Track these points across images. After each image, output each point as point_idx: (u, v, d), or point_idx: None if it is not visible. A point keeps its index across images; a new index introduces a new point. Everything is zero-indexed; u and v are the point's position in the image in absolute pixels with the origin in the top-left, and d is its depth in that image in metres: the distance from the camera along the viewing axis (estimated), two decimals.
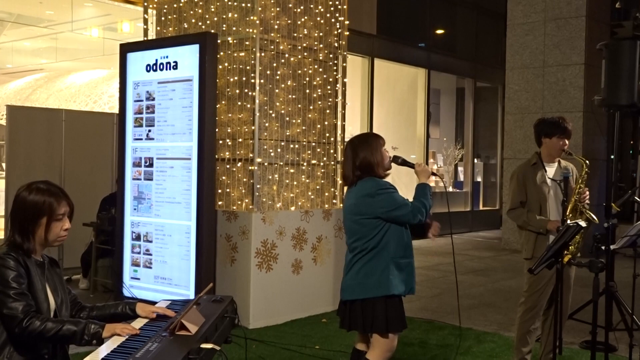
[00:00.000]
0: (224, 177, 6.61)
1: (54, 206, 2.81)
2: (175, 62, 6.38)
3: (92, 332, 2.72)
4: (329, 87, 7.23)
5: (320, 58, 7.12)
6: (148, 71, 6.58)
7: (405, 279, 3.79)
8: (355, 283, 3.78)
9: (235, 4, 6.65)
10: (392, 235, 3.76)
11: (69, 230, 2.88)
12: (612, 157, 6.67)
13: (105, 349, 2.59)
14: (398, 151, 13.03)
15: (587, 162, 4.80)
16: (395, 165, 3.95)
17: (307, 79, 6.96)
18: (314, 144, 7.05)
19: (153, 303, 3.18)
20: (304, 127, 6.94)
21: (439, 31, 15.55)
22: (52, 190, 2.86)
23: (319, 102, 7.11)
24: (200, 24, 6.90)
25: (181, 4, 7.07)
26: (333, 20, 7.27)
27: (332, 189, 7.24)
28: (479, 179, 16.56)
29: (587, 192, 4.73)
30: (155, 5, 7.42)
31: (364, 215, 3.76)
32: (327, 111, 7.21)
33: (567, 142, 4.79)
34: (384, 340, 3.78)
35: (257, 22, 6.44)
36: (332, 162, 7.26)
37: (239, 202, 6.53)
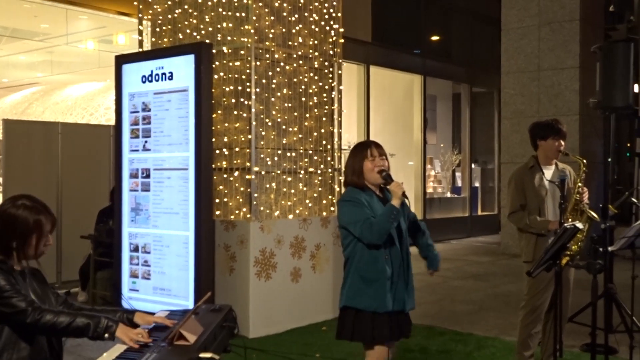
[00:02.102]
0: (221, 187, 6.60)
1: (42, 223, 2.82)
2: (171, 72, 6.39)
3: (107, 325, 2.72)
4: (324, 95, 7.24)
5: (316, 66, 7.13)
6: (144, 82, 6.59)
7: (376, 295, 3.64)
8: (341, 292, 3.83)
9: (229, 13, 6.67)
10: (360, 247, 3.68)
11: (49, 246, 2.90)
12: (609, 159, 6.69)
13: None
14: (396, 158, 13.04)
15: (585, 161, 4.81)
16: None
17: (303, 87, 6.98)
18: (310, 151, 7.05)
19: (152, 314, 3.16)
20: (300, 135, 6.95)
21: (434, 37, 15.59)
22: (38, 208, 2.86)
23: (315, 110, 7.12)
24: (195, 34, 6.91)
25: (176, 15, 7.09)
26: (328, 28, 7.29)
27: (330, 197, 7.24)
28: (477, 184, 16.56)
29: (586, 191, 4.74)
30: (150, 17, 7.44)
31: (338, 223, 3.82)
32: (324, 119, 7.22)
33: (562, 143, 4.80)
34: (368, 352, 3.76)
35: (252, 31, 6.45)
36: (330, 170, 7.26)
37: (237, 212, 6.53)
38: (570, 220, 4.53)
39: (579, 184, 4.73)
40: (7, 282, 2.70)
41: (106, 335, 2.71)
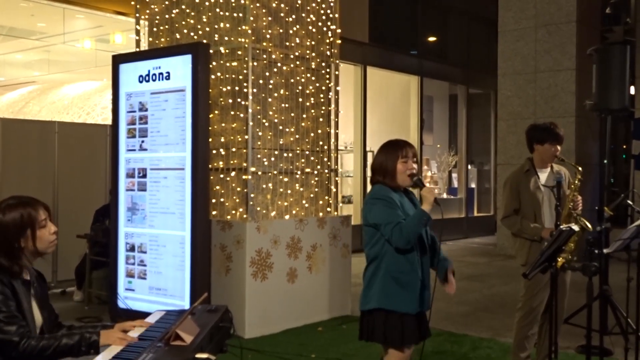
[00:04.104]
0: (217, 187, 6.60)
1: (33, 215, 2.76)
2: (168, 72, 6.38)
3: (90, 342, 2.69)
4: (321, 96, 7.24)
5: (313, 66, 7.14)
6: (141, 82, 6.58)
7: (409, 297, 3.60)
8: (363, 293, 3.73)
9: (227, 14, 6.67)
10: (391, 248, 3.60)
11: (58, 234, 2.84)
12: (605, 161, 6.69)
13: None
14: None
15: (580, 169, 4.81)
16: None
17: (300, 87, 6.98)
18: (307, 152, 7.05)
19: (148, 314, 3.16)
20: (297, 136, 6.95)
21: (431, 38, 15.61)
22: (24, 201, 2.80)
23: (312, 111, 7.12)
24: (192, 34, 6.91)
25: (173, 15, 7.08)
26: (325, 28, 7.30)
27: (327, 197, 7.24)
28: (473, 185, 16.58)
29: (580, 200, 4.74)
30: (147, 16, 7.44)
31: (365, 221, 3.71)
32: (320, 119, 7.22)
33: (559, 148, 4.81)
34: (391, 352, 3.68)
35: (249, 31, 6.45)
36: (326, 170, 7.26)
37: (233, 212, 6.53)
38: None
39: (574, 192, 4.72)
40: (3, 304, 2.64)
41: (91, 351, 2.68)
